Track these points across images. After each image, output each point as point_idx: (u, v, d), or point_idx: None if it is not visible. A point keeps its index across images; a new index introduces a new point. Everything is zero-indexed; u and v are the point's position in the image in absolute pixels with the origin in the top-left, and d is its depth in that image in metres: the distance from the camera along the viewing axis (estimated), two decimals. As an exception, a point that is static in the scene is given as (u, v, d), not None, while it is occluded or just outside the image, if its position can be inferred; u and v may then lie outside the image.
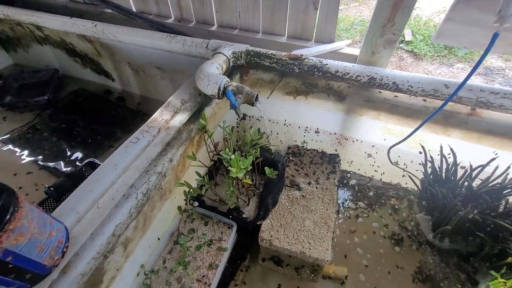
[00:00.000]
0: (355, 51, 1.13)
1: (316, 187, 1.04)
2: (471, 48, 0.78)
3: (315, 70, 0.99)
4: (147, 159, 0.76)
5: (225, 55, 1.02)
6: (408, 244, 1.06)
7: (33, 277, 0.49)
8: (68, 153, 1.39)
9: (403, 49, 3.45)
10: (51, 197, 1.09)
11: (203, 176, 0.92)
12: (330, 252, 0.84)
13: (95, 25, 1.29)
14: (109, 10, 1.50)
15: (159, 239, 0.91)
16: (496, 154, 1.04)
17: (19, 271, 0.46)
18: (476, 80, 3.24)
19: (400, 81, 0.91)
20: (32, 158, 1.37)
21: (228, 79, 0.90)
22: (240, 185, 1.06)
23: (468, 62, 3.33)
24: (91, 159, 1.20)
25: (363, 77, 0.95)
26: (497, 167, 1.01)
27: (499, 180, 0.99)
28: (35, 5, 1.63)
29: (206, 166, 1.02)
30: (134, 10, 1.46)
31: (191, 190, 0.90)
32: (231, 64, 1.06)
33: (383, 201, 1.22)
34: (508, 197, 0.95)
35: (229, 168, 0.81)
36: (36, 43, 1.76)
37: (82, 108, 1.66)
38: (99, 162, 1.20)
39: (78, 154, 1.38)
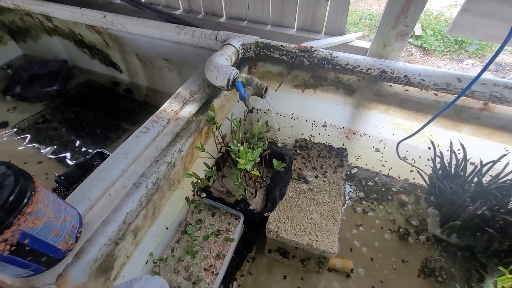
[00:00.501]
0: (366, 44, 1.12)
1: (324, 181, 1.04)
2: (486, 41, 0.76)
3: (325, 62, 0.98)
4: (157, 148, 0.76)
5: (234, 47, 1.01)
6: (414, 238, 1.06)
7: (48, 260, 0.50)
8: (77, 144, 1.41)
9: (412, 44, 3.39)
10: (61, 186, 1.11)
11: (211, 167, 0.93)
12: (337, 245, 0.85)
13: (104, 16, 1.29)
14: (118, 1, 1.50)
15: (167, 228, 0.92)
16: (507, 150, 1.02)
17: (36, 254, 0.47)
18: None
19: (412, 74, 0.90)
20: (42, 148, 1.39)
21: (238, 71, 0.90)
22: (247, 177, 1.07)
23: (479, 58, 3.26)
24: (99, 149, 1.22)
25: (374, 70, 0.94)
26: (507, 164, 0.99)
27: (509, 177, 0.98)
28: (44, -5, 1.63)
29: (214, 158, 1.03)
30: (143, 1, 1.45)
31: (199, 181, 0.91)
32: (240, 56, 1.06)
33: (390, 196, 1.22)
34: (518, 194, 0.94)
35: (237, 159, 0.82)
36: (45, 34, 1.77)
37: (90, 99, 1.68)
38: (107, 153, 1.21)
39: (87, 145, 1.40)
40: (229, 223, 0.95)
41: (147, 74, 1.62)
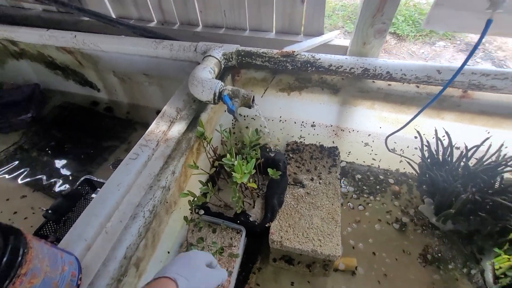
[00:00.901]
0: (345, 42, 1.13)
1: (319, 183, 1.04)
2: (461, 31, 0.78)
3: (308, 65, 0.98)
4: (150, 175, 0.74)
5: (216, 58, 0.99)
6: (412, 228, 1.09)
7: (50, 314, 0.48)
8: (62, 172, 1.34)
9: (386, 31, 3.45)
10: (50, 220, 1.06)
11: (206, 183, 0.91)
12: (340, 247, 0.86)
13: (75, 36, 1.23)
14: (87, 18, 1.44)
15: (168, 252, 0.90)
16: (488, 132, 1.07)
17: (36, 311, 0.44)
18: (458, 57, 3.30)
19: (394, 70, 0.92)
20: (24, 180, 1.31)
21: (223, 83, 0.89)
22: (243, 187, 1.06)
23: (449, 39, 3.38)
24: (87, 176, 1.17)
25: (357, 69, 0.95)
26: (490, 146, 1.03)
27: (493, 158, 1.02)
28: (6, 17, 1.54)
29: (208, 173, 1.01)
30: (114, 16, 1.40)
31: (195, 199, 0.89)
32: (223, 66, 1.04)
33: (383, 188, 1.24)
34: (502, 174, 0.99)
35: (233, 173, 0.81)
36: (11, 59, 1.67)
37: (69, 123, 1.60)
38: (96, 179, 1.16)
39: (72, 172, 1.34)
40: (231, 238, 0.94)
41: (127, 90, 1.57)
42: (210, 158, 1.03)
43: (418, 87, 1.01)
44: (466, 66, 0.88)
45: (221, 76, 1.10)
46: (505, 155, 1.02)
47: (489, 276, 0.84)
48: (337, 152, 1.16)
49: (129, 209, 0.66)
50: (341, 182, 1.26)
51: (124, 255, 0.63)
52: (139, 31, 1.23)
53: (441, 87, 0.97)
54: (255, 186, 0.83)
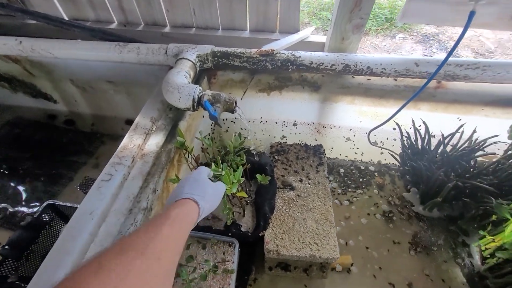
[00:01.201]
0: (322, 38, 1.11)
1: (309, 183, 1.02)
2: (435, 24, 0.80)
3: (289, 64, 0.95)
4: (129, 197, 0.65)
5: (190, 60, 0.92)
6: (398, 218, 1.12)
7: None
8: (19, 198, 1.17)
9: (351, 26, 3.56)
10: (9, 258, 0.91)
11: (192, 198, 0.84)
12: (338, 248, 0.84)
13: (20, 42, 1.07)
14: (34, 21, 1.26)
15: (156, 277, 0.81)
16: (460, 119, 1.12)
17: None
18: (416, 48, 3.51)
19: (374, 65, 0.91)
20: (-29, 213, 1.13)
21: (201, 88, 0.82)
22: (231, 196, 1.00)
23: (407, 31, 3.57)
24: (50, 201, 1.03)
25: (338, 65, 0.93)
26: (462, 132, 1.09)
27: (466, 144, 1.07)
28: None
29: (192, 185, 0.94)
30: (66, 18, 1.24)
31: (181, 215, 0.81)
32: (198, 69, 0.96)
33: (367, 181, 1.26)
34: (476, 158, 1.04)
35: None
36: None
37: (23, 140, 1.41)
38: (61, 203, 1.03)
39: (32, 197, 1.18)
40: (224, 252, 0.88)
41: (89, 100, 1.41)
42: (192, 168, 0.95)
43: (395, 80, 1.02)
44: (441, 58, 0.90)
45: (196, 80, 1.02)
46: (476, 139, 1.08)
47: (477, 258, 0.88)
48: (322, 150, 1.15)
49: (108, 240, 0.57)
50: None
51: (107, 294, 0.54)
52: (99, 34, 1.11)
53: (418, 79, 0.99)
54: (245, 195, 0.78)
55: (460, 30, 0.71)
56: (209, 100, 0.80)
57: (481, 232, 0.84)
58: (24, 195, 1.18)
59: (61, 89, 1.39)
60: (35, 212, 1.01)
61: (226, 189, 0.74)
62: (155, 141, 0.77)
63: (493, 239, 0.81)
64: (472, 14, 0.62)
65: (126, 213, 0.63)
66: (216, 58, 0.97)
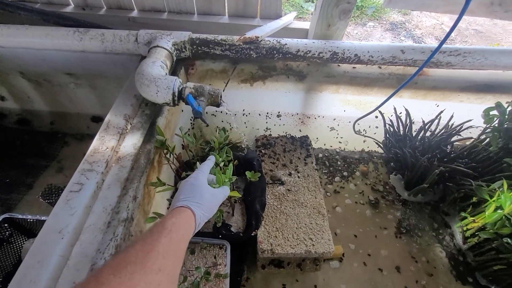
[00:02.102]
0: (305, 24, 1.06)
1: (298, 176, 0.99)
2: (420, 10, 0.79)
3: (275, 52, 0.89)
4: (106, 209, 0.56)
5: (166, 49, 0.82)
6: (384, 204, 1.14)
7: None
8: (-35, 214, 1.00)
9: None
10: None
11: (176, 201, 0.77)
12: (332, 240, 0.83)
13: (-50, 27, 0.88)
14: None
15: (142, 291, 0.74)
16: (437, 106, 1.16)
17: None
18: (386, 36, 3.61)
19: (361, 52, 0.89)
20: None
21: (181, 80, 0.73)
22: (218, 195, 0.94)
23: (377, 20, 3.66)
24: (6, 215, 0.89)
25: (325, 53, 0.89)
26: (440, 118, 1.12)
27: (443, 129, 1.11)
28: None
29: (175, 187, 0.86)
30: (10, 0, 1.05)
31: (165, 221, 0.74)
32: (175, 58, 0.87)
33: (352, 170, 1.27)
34: (453, 142, 1.08)
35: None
36: None
37: (-34, 145, 1.21)
38: (20, 216, 0.89)
39: (-18, 211, 1.01)
40: (215, 256, 0.82)
41: (45, 95, 1.24)
42: (174, 168, 0.87)
43: (380, 68, 1.01)
44: (426, 45, 0.90)
45: (173, 71, 0.93)
46: (452, 124, 1.13)
47: (458, 238, 0.93)
48: (309, 141, 1.12)
49: (84, 262, 0.49)
50: (314, 170, 1.23)
51: (88, 325, 0.47)
52: (52, 18, 0.95)
53: (402, 67, 0.99)
54: (238, 195, 0.72)
55: (425, 18, 0.71)
56: (191, 94, 0.72)
57: (462, 214, 0.87)
58: (-28, 209, 1.01)
59: (9, 83, 1.19)
60: (-12, 229, 0.87)
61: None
62: (132, 142, 0.68)
63: (474, 220, 0.85)
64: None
65: (103, 228, 0.54)
66: (194, 46, 0.88)
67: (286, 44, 0.88)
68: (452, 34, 3.48)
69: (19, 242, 0.92)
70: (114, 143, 0.68)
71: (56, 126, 1.30)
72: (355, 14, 3.68)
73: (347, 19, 0.90)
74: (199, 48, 0.88)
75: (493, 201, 0.79)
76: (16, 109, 1.30)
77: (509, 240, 0.71)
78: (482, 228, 0.82)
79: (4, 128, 1.27)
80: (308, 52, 0.88)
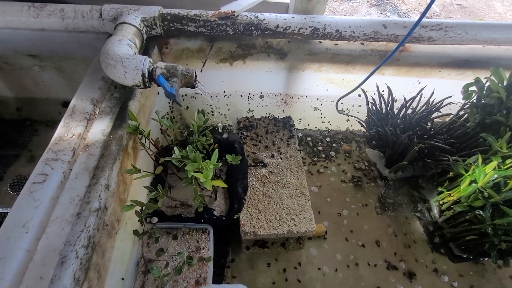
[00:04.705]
0: (285, -2, 1.01)
1: (281, 158, 0.98)
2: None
3: (253, 28, 0.84)
4: (73, 200, 0.53)
5: (133, 25, 0.75)
6: (366, 182, 1.16)
7: None
8: None
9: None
10: None
11: (155, 187, 0.74)
12: (314, 220, 0.83)
13: None
14: None
15: (123, 279, 0.73)
16: (419, 83, 1.15)
17: None
18: (372, 12, 3.54)
19: (343, 27, 0.85)
20: None
21: (151, 59, 0.68)
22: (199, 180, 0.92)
23: (363, -5, 3.57)
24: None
25: (306, 29, 0.85)
26: (421, 95, 1.12)
27: (424, 106, 1.12)
28: None
29: (153, 173, 0.83)
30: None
31: (144, 208, 0.72)
32: (145, 36, 0.80)
33: (336, 149, 1.27)
34: (433, 119, 1.09)
35: (187, 170, 0.66)
36: None
37: None
38: (-10, 210, 0.85)
39: None
40: (197, 240, 0.82)
41: (9, 80, 1.14)
42: (152, 154, 0.84)
43: (362, 44, 0.98)
44: (408, 19, 0.87)
45: (144, 50, 0.86)
46: (432, 101, 1.13)
47: (435, 211, 0.96)
48: (292, 122, 1.11)
49: (51, 256, 0.47)
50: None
51: (61, 318, 0.45)
52: (4, -8, 0.85)
53: (384, 43, 0.97)
54: (223, 184, 0.70)
55: None
56: (163, 74, 0.67)
57: (439, 189, 0.90)
58: None
59: (-35, 67, 1.09)
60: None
61: (205, 182, 0.65)
62: (100, 128, 0.64)
63: (450, 194, 0.88)
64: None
65: (72, 219, 0.51)
66: (166, 23, 0.82)
67: (264, 19, 0.83)
68: (437, 9, 3.45)
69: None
70: (81, 130, 0.63)
71: (24, 113, 1.22)
72: (342, -12, 3.57)
73: (328, -9, 0.85)
74: (171, 24, 0.82)
75: (468, 175, 0.81)
76: (-24, 96, 1.20)
77: (481, 212, 0.74)
78: (457, 202, 0.85)
79: (-34, 117, 1.18)
80: (287, 28, 0.84)
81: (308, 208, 0.85)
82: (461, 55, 1.01)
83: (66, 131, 0.62)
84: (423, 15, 0.68)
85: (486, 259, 0.95)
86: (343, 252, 0.98)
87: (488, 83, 0.92)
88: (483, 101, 0.91)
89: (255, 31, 0.84)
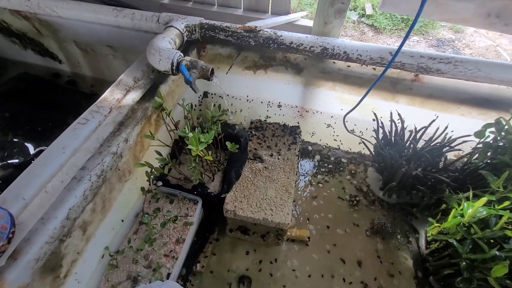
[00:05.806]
0: (309, 22, 1.15)
1: (278, 158, 1.08)
2: (410, 15, 0.83)
3: (271, 42, 0.99)
4: (98, 139, 0.73)
5: (178, 29, 0.98)
6: (364, 205, 1.16)
7: (-23, 265, 0.47)
8: (16, 144, 1.28)
9: (364, 23, 3.52)
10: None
11: (166, 156, 0.91)
12: (291, 216, 0.90)
13: (29, -1, 1.16)
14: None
15: (122, 220, 0.90)
16: (436, 116, 1.14)
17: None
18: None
19: (350, 50, 0.95)
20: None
21: (182, 54, 0.88)
22: (204, 162, 1.07)
23: (423, 35, 3.50)
24: (42, 148, 1.13)
25: (316, 47, 0.97)
26: (437, 128, 1.11)
27: (439, 140, 1.10)
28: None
29: (168, 145, 1.01)
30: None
31: (153, 170, 0.89)
32: (185, 38, 1.02)
33: (342, 167, 1.30)
34: (447, 154, 1.07)
35: (189, 146, 0.82)
36: (-40, 22, 1.53)
37: (28, 95, 1.52)
38: (52, 150, 1.13)
39: (28, 145, 1.29)
40: (187, 209, 0.95)
41: (91, 63, 1.50)
42: (170, 131, 1.03)
43: (374, 69, 1.05)
44: (415, 50, 0.93)
45: (185, 50, 1.09)
46: (450, 137, 1.11)
47: (422, 243, 0.93)
48: (299, 131, 1.20)
49: (73, 171, 0.66)
50: (303, 161, 1.30)
51: (67, 215, 0.63)
52: (101, -1, 1.18)
53: (393, 69, 1.03)
54: (210, 158, 0.85)
55: (480, 37, 0.74)
56: (186, 65, 0.86)
57: (430, 219, 0.88)
58: (19, 141, 1.29)
59: (66, 50, 1.48)
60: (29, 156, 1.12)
61: (193, 150, 0.80)
62: (132, 97, 0.85)
63: (439, 226, 0.86)
64: (424, 1, 0.65)
65: (93, 151, 0.71)
66: (203, 30, 1.03)
67: (281, 36, 0.98)
68: (508, 57, 3.19)
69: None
70: (120, 96, 0.85)
71: (95, 89, 1.56)
72: (400, 26, 3.58)
73: (342, 18, 0.96)
74: (206, 32, 1.03)
75: (457, 208, 0.79)
76: (68, 72, 1.60)
77: (456, 244, 0.72)
78: (440, 232, 0.82)
79: (57, 86, 1.57)
80: (300, 44, 0.97)
81: (288, 204, 0.92)
82: (479, 93, 1.00)
83: (110, 95, 0.84)
84: (403, 41, 0.74)
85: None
86: (321, 262, 1.00)
87: (507, 126, 0.89)
88: (498, 143, 0.88)
89: (272, 44, 1.00)
